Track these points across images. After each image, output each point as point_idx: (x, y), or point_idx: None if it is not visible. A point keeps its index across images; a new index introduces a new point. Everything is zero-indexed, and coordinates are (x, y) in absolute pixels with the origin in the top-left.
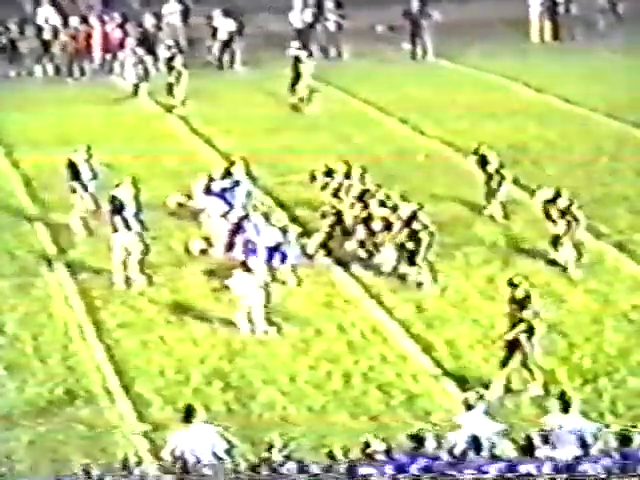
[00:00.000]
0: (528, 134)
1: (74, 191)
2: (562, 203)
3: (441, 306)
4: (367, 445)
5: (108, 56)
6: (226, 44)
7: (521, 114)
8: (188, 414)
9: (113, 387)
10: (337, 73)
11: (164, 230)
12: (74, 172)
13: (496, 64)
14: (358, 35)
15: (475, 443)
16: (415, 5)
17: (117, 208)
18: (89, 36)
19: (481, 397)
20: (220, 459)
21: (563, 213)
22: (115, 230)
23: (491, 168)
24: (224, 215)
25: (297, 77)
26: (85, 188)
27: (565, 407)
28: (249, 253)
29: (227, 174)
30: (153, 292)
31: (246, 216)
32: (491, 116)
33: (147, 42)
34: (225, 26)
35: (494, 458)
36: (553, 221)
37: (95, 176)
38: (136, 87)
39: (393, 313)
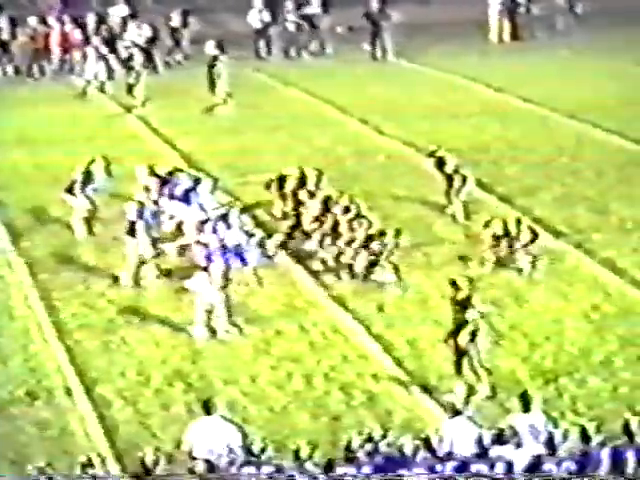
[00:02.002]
0: (489, 134)
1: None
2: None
3: (402, 306)
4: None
5: (68, 56)
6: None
7: (482, 114)
8: (207, 407)
9: (74, 388)
10: (297, 73)
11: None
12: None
13: (456, 64)
14: (316, 36)
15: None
16: (375, 6)
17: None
18: (48, 36)
19: (468, 402)
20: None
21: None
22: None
23: (449, 169)
24: (186, 218)
25: (214, 78)
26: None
27: (526, 407)
28: (209, 255)
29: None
30: (113, 293)
31: (207, 219)
32: (452, 116)
33: (112, 41)
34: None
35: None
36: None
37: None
38: (87, 86)
39: (354, 313)
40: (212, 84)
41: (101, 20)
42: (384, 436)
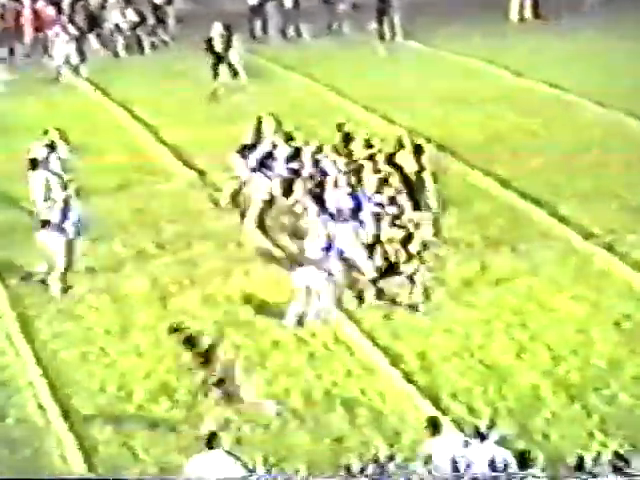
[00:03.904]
0: (506, 123)
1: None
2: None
3: (410, 315)
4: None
5: (40, 36)
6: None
7: (499, 101)
8: (210, 441)
9: (48, 404)
10: (296, 56)
11: (104, 230)
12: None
13: (472, 46)
14: (319, 14)
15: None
16: None
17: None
18: (19, 14)
19: (492, 426)
20: None
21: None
22: None
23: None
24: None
25: (218, 61)
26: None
27: (434, 430)
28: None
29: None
30: (93, 298)
31: None
32: (466, 103)
33: (91, 21)
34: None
35: None
36: None
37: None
38: (60, 69)
39: (358, 322)
40: (216, 69)
41: None
42: (391, 458)
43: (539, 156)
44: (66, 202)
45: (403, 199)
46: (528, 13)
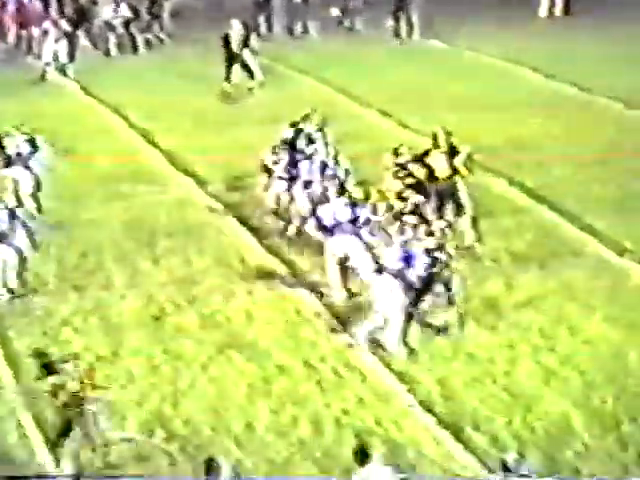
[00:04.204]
0: (532, 127)
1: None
2: None
3: (429, 336)
4: None
5: (25, 33)
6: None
7: (524, 104)
8: (209, 468)
9: (32, 435)
10: (303, 54)
11: (93, 244)
12: None
13: (496, 44)
14: (328, 9)
15: None
16: None
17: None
18: (1, 7)
19: (521, 459)
20: None
21: None
22: None
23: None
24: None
25: (231, 58)
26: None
27: (362, 460)
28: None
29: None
30: (79, 319)
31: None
32: (488, 106)
33: (80, 16)
34: None
35: None
36: None
37: None
38: (46, 69)
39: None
40: (229, 68)
41: None
42: None
43: (568, 163)
44: (12, 211)
45: (428, 206)
46: (558, 10)
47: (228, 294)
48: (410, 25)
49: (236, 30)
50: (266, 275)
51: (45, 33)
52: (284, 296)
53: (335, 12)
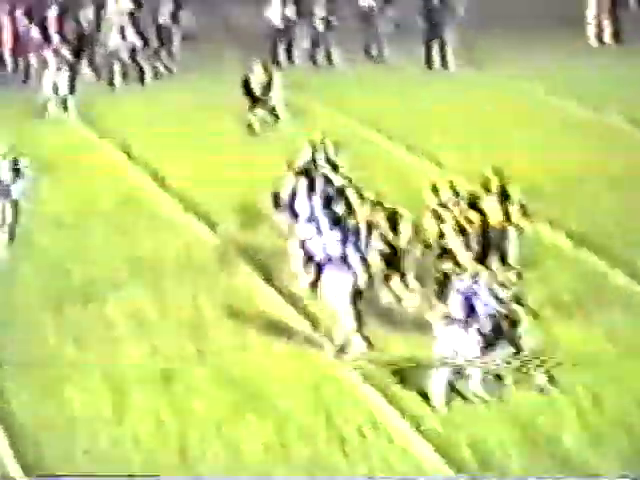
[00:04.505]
0: (577, 164)
1: None
2: None
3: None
4: None
5: (22, 61)
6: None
7: (568, 138)
8: None
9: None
10: (325, 83)
11: (95, 290)
12: None
13: (540, 74)
14: (353, 35)
15: None
16: None
17: None
18: None
19: None
20: None
21: None
22: None
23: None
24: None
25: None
26: None
27: None
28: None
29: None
30: (79, 378)
31: None
32: (528, 141)
33: (82, 43)
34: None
35: None
36: None
37: None
38: (47, 101)
39: (399, 402)
40: (252, 112)
41: (64, 14)
42: None
43: (616, 205)
44: None
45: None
46: (607, 37)
47: (243, 347)
48: (444, 52)
49: (257, 74)
50: (285, 327)
51: (44, 62)
52: (304, 350)
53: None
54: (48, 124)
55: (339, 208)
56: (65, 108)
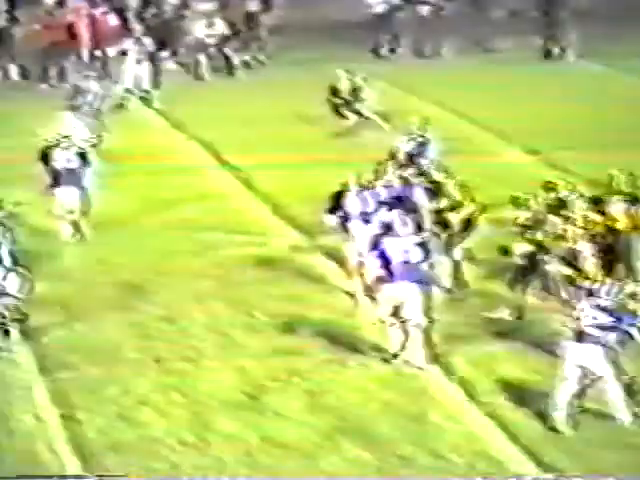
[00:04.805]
0: None
1: None
2: None
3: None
4: None
5: (99, 53)
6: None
7: None
8: None
9: None
10: (432, 79)
11: (178, 307)
12: None
13: None
14: (463, 24)
15: None
16: None
17: None
18: (71, 25)
19: None
20: None
21: None
22: None
23: None
24: None
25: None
26: None
27: None
28: None
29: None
30: (161, 399)
31: None
32: None
33: (166, 34)
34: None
35: None
36: None
37: None
38: (126, 96)
39: (518, 437)
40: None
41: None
42: None
43: None
44: None
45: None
46: None
47: (338, 368)
48: (564, 43)
49: (344, 82)
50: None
51: (124, 54)
52: (405, 371)
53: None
54: (129, 121)
55: (440, 203)
56: (148, 104)
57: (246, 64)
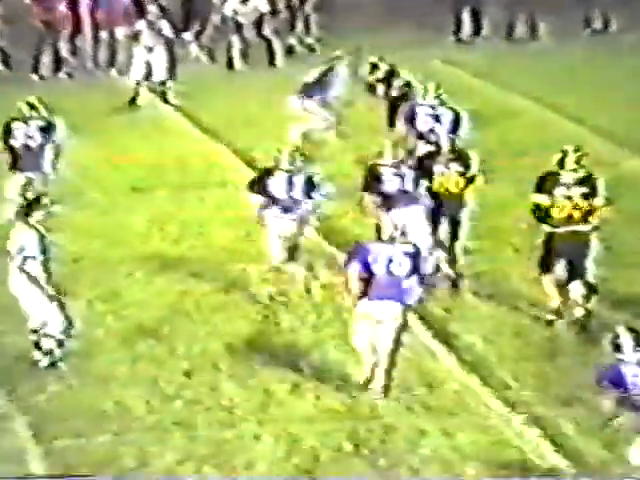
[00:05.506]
0: None
1: None
2: None
3: None
4: None
5: (105, 36)
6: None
7: None
8: None
9: None
10: (525, 68)
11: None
12: None
13: None
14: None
15: None
16: None
17: None
18: (74, 4)
19: None
20: None
21: None
22: None
23: None
24: None
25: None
26: None
27: None
28: None
29: None
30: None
31: None
32: None
33: (188, 13)
34: None
35: None
36: None
37: None
38: (138, 89)
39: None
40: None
41: None
42: None
43: None
44: None
45: None
46: None
47: (411, 436)
48: None
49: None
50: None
51: (135, 38)
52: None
53: None
54: (140, 120)
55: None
56: (164, 99)
57: (290, 50)
